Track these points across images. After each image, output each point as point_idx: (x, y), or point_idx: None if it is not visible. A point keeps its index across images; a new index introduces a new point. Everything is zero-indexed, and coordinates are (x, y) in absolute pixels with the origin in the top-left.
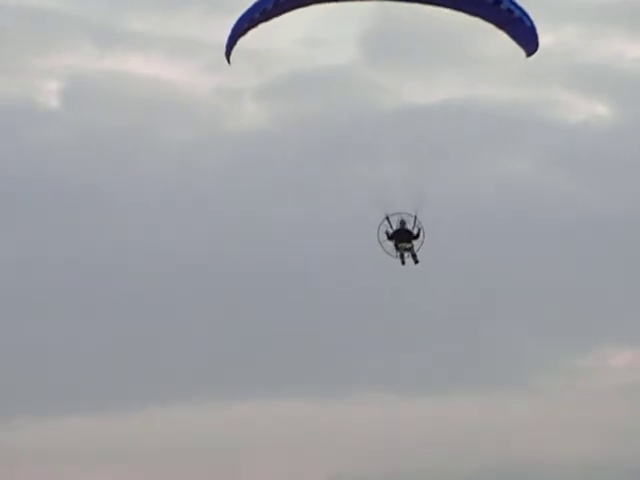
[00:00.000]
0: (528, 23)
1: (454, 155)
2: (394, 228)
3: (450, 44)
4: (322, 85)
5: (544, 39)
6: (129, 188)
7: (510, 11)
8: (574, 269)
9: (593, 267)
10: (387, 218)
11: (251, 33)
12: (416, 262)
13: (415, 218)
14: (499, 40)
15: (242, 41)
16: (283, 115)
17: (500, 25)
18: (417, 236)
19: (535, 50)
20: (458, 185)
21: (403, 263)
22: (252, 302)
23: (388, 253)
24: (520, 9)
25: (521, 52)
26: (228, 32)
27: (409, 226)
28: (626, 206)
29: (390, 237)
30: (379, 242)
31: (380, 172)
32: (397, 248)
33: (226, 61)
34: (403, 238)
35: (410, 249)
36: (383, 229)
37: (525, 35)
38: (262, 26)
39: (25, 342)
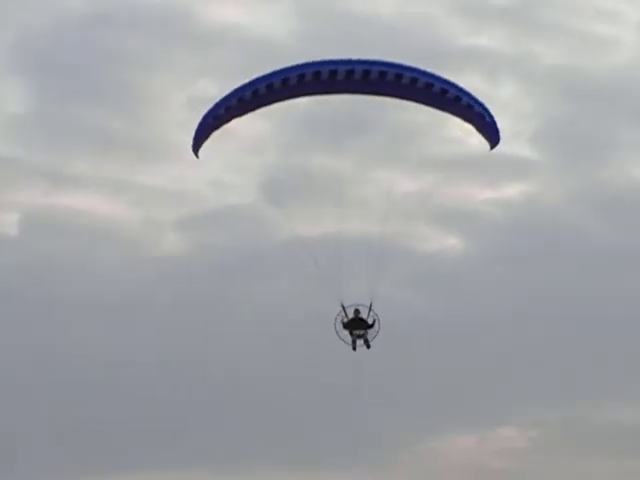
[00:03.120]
0: (488, 119)
1: (332, 279)
2: (349, 317)
3: (330, 189)
4: (228, 220)
5: (408, 186)
6: (75, 297)
7: (470, 106)
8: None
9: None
10: (343, 307)
11: (171, 177)
12: (368, 347)
13: (370, 307)
14: (370, 186)
15: (164, 183)
16: (197, 243)
17: (465, 120)
18: (372, 325)
19: (497, 143)
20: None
21: (354, 349)
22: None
23: (343, 341)
24: (480, 105)
25: (391, 195)
26: (194, 130)
27: (364, 315)
28: (473, 322)
29: (345, 326)
30: (336, 331)
31: (275, 287)
32: (351, 335)
33: (195, 156)
34: (357, 326)
35: (363, 336)
36: (339, 318)
37: (487, 129)
38: (181, 170)
39: None
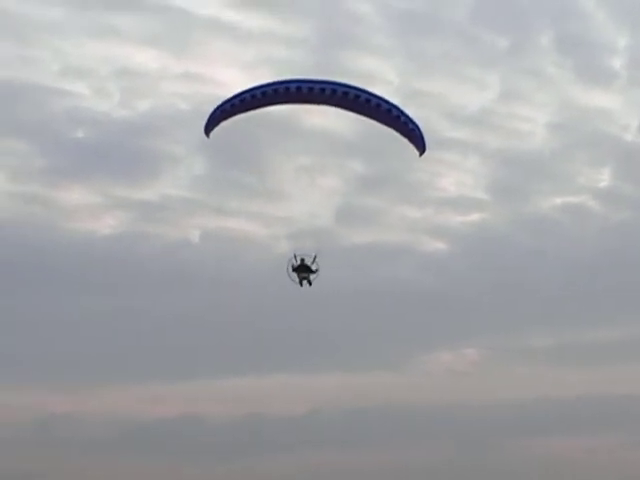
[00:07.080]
0: (418, 133)
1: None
2: (298, 263)
3: (373, 218)
4: (314, 235)
5: (416, 214)
6: (227, 277)
7: (405, 124)
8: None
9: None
10: (294, 255)
11: (284, 209)
12: (310, 284)
13: (314, 258)
14: (394, 215)
15: (280, 213)
16: (297, 247)
17: (402, 134)
18: (315, 271)
19: (424, 151)
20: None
21: (301, 285)
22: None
23: (291, 279)
24: (413, 122)
25: (406, 219)
26: (208, 116)
27: (308, 262)
28: (451, 287)
29: (294, 269)
30: (287, 273)
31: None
32: (298, 276)
33: (206, 135)
34: (303, 270)
35: (307, 277)
36: (290, 263)
37: (417, 141)
38: (290, 206)
39: None
